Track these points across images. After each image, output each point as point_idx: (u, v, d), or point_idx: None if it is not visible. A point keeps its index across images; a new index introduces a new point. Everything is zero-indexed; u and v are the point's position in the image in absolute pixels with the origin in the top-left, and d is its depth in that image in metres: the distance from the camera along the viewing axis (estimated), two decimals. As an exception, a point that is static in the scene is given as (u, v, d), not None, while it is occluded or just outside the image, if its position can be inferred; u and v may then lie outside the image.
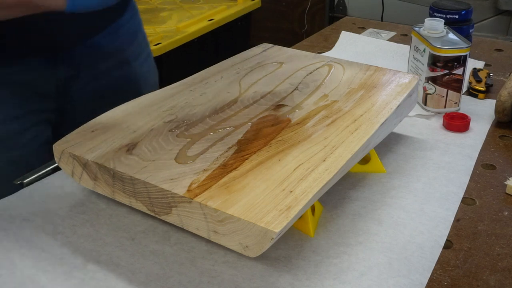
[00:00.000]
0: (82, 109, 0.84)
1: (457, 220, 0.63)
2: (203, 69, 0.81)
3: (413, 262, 0.56)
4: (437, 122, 0.84)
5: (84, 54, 0.82)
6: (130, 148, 0.60)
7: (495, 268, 0.56)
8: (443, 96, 0.86)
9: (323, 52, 1.11)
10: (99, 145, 0.60)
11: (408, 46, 0.95)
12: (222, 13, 2.22)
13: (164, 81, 0.84)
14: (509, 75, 0.94)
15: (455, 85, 0.86)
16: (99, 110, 0.68)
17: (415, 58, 0.91)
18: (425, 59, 0.86)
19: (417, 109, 0.88)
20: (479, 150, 0.77)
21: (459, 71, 0.85)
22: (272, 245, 0.48)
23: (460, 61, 0.84)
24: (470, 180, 0.70)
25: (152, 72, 0.97)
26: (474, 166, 0.73)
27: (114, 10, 0.83)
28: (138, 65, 0.91)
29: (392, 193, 0.67)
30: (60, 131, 0.79)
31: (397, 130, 0.80)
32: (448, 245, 0.59)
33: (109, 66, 0.86)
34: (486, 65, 1.06)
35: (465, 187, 0.69)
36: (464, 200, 0.67)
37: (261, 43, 0.91)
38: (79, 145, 0.61)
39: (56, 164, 0.62)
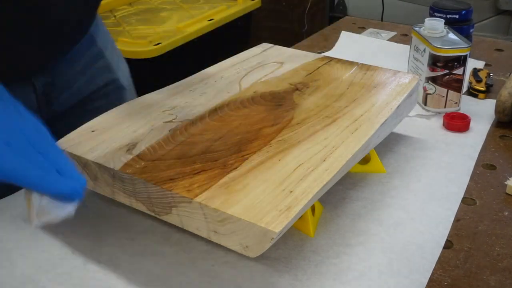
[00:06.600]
0: (70, 113, 0.81)
1: (457, 220, 0.63)
2: (203, 69, 0.81)
3: (414, 262, 0.56)
4: (437, 122, 0.84)
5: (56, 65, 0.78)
6: (130, 148, 0.60)
7: (495, 268, 0.56)
8: (443, 96, 0.86)
9: (323, 52, 1.11)
10: (99, 145, 0.60)
11: (408, 46, 0.95)
12: (222, 13, 2.21)
13: (164, 81, 0.84)
14: (509, 75, 0.94)
15: (455, 85, 0.86)
16: (87, 115, 0.67)
17: (415, 58, 0.91)
18: (425, 59, 0.86)
19: (417, 109, 0.88)
20: (479, 150, 0.77)
21: (459, 71, 0.85)
22: (272, 245, 0.48)
23: (460, 61, 0.84)
24: (470, 180, 0.70)
25: (122, 60, 0.93)
26: (474, 166, 0.73)
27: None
28: (109, 54, 0.87)
29: (392, 193, 0.67)
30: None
31: (397, 130, 0.80)
32: (448, 245, 0.59)
33: (84, 63, 0.82)
34: (486, 65, 1.05)
35: (465, 187, 0.69)
36: (464, 200, 0.67)
37: (261, 43, 0.90)
38: (79, 145, 0.61)
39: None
